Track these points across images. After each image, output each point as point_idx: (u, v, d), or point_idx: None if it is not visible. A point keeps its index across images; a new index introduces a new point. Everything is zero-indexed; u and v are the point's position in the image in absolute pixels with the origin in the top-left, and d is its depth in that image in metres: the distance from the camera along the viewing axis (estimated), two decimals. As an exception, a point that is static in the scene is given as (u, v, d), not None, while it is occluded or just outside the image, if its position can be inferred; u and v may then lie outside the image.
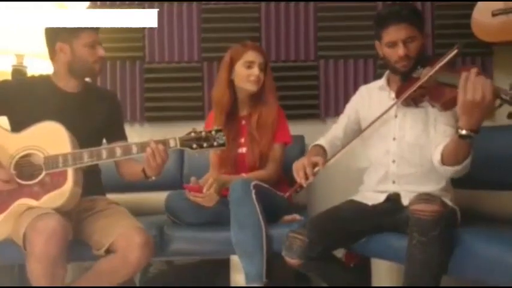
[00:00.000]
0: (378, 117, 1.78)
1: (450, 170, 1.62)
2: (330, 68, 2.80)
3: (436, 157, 1.65)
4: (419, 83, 1.66)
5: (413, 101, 1.74)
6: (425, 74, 1.65)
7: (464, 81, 1.40)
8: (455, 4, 2.74)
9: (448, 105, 1.53)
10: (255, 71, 2.14)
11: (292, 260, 1.73)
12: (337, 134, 1.99)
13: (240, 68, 2.16)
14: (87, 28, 1.84)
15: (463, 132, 1.45)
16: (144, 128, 2.84)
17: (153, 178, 1.82)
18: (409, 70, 1.76)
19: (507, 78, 2.73)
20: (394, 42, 1.76)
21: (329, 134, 2.02)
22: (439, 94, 1.60)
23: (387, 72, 1.93)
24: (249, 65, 2.15)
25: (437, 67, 1.63)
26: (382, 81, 1.94)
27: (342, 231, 1.77)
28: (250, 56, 2.15)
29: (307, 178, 1.67)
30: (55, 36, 1.84)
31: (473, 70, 1.40)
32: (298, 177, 1.69)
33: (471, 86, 1.39)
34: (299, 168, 1.70)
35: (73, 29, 1.83)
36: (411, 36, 1.74)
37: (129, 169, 1.94)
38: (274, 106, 2.19)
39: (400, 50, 1.74)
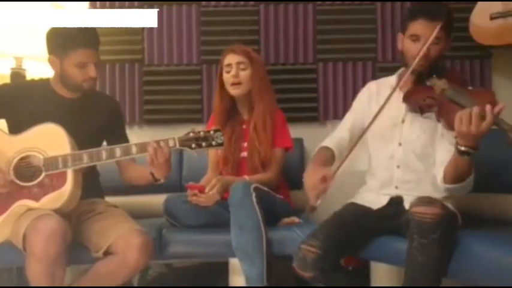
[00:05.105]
0: (379, 111, 1.72)
1: (451, 188, 1.61)
2: (329, 71, 2.80)
3: (439, 175, 1.64)
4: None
5: (420, 109, 1.69)
6: (439, 87, 1.60)
7: (462, 114, 1.43)
8: (453, 7, 2.73)
9: (452, 125, 1.48)
10: (232, 72, 2.13)
11: (306, 273, 1.67)
12: (343, 136, 1.93)
13: (224, 74, 2.17)
14: (80, 47, 1.76)
15: (462, 148, 1.48)
16: (143, 130, 2.83)
17: (162, 181, 1.81)
18: (425, 71, 1.71)
19: (506, 81, 2.75)
20: (418, 37, 1.71)
21: (335, 135, 1.95)
22: (447, 111, 1.56)
23: (399, 71, 1.89)
24: (228, 69, 2.15)
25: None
26: (392, 81, 1.88)
27: (351, 239, 1.74)
28: (228, 59, 2.16)
29: (319, 196, 1.63)
30: (49, 47, 1.82)
31: (476, 108, 1.41)
32: (311, 198, 1.63)
33: (466, 119, 1.42)
34: (310, 189, 1.64)
35: (64, 47, 1.77)
36: (437, 37, 1.68)
37: (134, 172, 1.93)
38: (264, 110, 2.14)
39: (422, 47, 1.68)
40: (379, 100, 1.88)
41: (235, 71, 2.13)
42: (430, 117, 1.68)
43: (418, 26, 1.71)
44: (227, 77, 2.15)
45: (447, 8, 1.79)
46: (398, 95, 1.78)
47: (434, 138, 1.75)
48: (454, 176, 1.58)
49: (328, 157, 1.84)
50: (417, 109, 1.70)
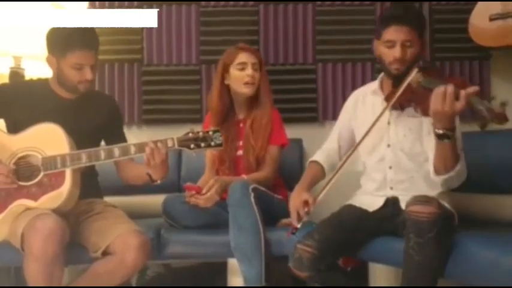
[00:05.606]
0: (371, 127, 1.77)
1: (446, 179, 1.62)
2: (328, 71, 2.80)
3: (431, 168, 1.66)
4: (402, 87, 1.67)
5: (400, 105, 1.74)
6: (415, 79, 1.65)
7: (437, 92, 1.46)
8: (453, 9, 2.75)
9: (427, 110, 1.52)
10: (249, 71, 2.14)
11: (302, 273, 1.70)
12: (333, 147, 2.00)
13: (234, 72, 2.16)
14: (79, 48, 1.75)
15: (440, 131, 1.51)
16: (142, 130, 2.84)
17: (158, 182, 1.81)
18: (402, 74, 1.74)
19: (504, 82, 2.75)
20: (393, 42, 1.75)
21: (325, 147, 2.02)
22: (421, 99, 1.60)
23: (381, 75, 1.92)
24: (242, 67, 2.15)
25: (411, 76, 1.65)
26: (375, 85, 1.92)
27: (348, 240, 1.75)
28: (242, 57, 2.16)
29: (300, 219, 1.72)
30: (48, 47, 1.82)
31: (450, 86, 1.44)
32: (292, 220, 1.75)
33: (440, 97, 1.45)
34: (292, 211, 1.75)
35: (63, 47, 1.76)
36: (410, 40, 1.74)
37: (132, 172, 1.93)
38: (268, 108, 2.18)
39: (397, 52, 1.73)
40: (364, 104, 1.95)
41: (251, 71, 2.14)
42: (414, 115, 1.72)
43: (391, 33, 1.75)
44: (241, 75, 2.14)
45: (416, 11, 1.87)
46: (381, 99, 1.84)
47: (421, 135, 1.78)
48: (441, 165, 1.60)
49: (319, 172, 1.95)
50: (397, 105, 1.75)
